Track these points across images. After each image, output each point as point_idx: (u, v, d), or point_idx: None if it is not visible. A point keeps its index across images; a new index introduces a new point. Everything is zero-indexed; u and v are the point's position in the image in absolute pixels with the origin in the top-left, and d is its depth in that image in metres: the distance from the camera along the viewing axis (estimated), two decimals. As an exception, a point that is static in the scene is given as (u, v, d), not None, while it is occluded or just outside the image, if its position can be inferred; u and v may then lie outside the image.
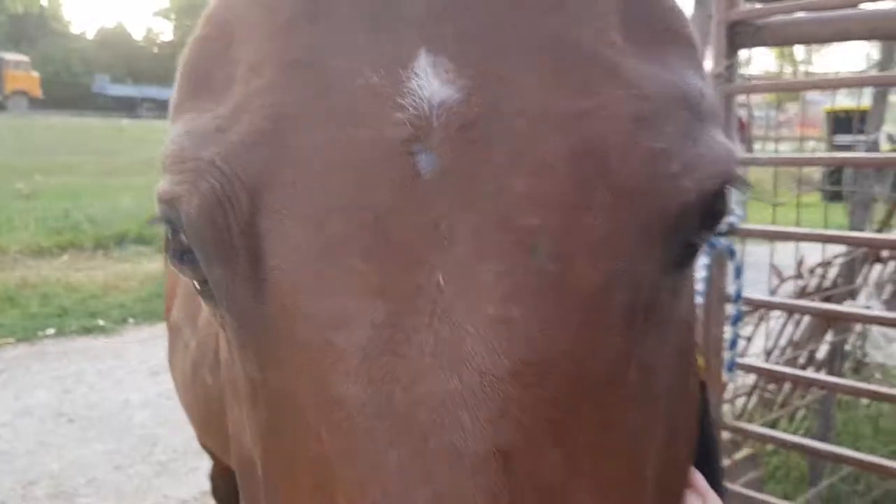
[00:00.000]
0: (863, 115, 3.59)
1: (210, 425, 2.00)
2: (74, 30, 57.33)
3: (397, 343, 0.44)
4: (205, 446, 2.83)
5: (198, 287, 0.55)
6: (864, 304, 3.70)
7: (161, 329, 7.05)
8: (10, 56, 41.31)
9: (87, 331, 6.91)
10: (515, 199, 0.45)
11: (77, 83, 47.50)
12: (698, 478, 0.60)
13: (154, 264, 9.50)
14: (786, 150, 4.37)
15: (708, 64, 2.49)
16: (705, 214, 0.51)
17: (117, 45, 54.15)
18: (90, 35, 57.47)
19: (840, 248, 3.77)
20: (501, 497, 0.41)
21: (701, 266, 2.46)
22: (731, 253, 2.43)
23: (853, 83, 2.22)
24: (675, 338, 0.54)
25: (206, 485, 4.20)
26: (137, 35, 59.59)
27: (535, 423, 0.43)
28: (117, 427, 4.97)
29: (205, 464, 4.43)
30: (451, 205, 0.45)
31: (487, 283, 0.44)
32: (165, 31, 59.32)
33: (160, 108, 45.53)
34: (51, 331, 6.80)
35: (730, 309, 2.48)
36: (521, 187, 0.45)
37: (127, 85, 48.14)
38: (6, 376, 5.82)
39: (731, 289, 2.42)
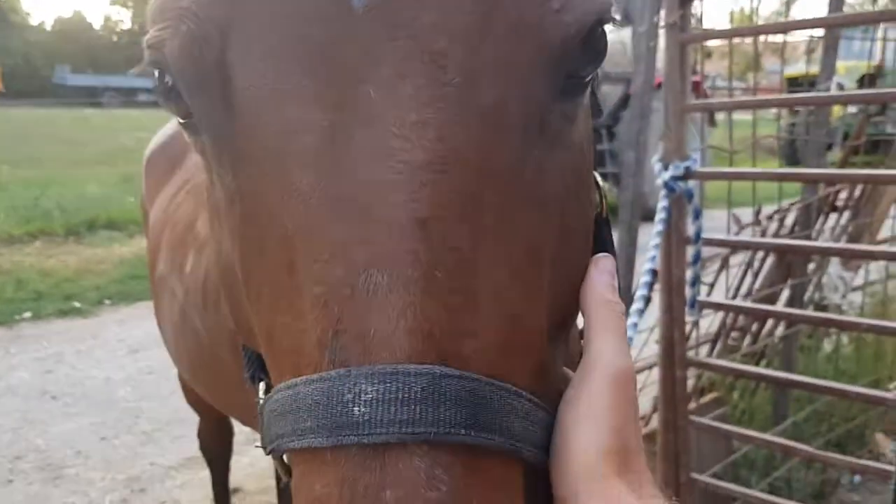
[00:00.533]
0: (814, 79, 3.73)
1: (201, 369, 2.09)
2: (33, 21, 56.18)
3: (340, 142, 0.57)
4: (192, 402, 2.93)
5: (182, 121, 0.68)
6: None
7: (138, 309, 7.12)
8: (-32, 49, 40.58)
9: (64, 313, 6.92)
10: (428, 29, 0.57)
11: (37, 75, 46.65)
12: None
13: (126, 248, 9.49)
14: (745, 116, 4.50)
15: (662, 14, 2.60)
16: (586, 48, 0.63)
17: (76, 35, 53.17)
18: (49, 26, 56.35)
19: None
20: (421, 254, 0.54)
21: (660, 209, 2.60)
22: (689, 195, 2.57)
23: (803, 25, 2.34)
24: (570, 158, 0.67)
25: (191, 451, 4.30)
26: (96, 24, 58.45)
27: (447, 202, 0.56)
28: (100, 402, 5.03)
29: (188, 432, 4.52)
30: (379, 34, 0.57)
31: (408, 95, 0.56)
32: (124, 20, 58.17)
33: (123, 96, 44.88)
34: (27, 314, 6.81)
35: (690, 251, 2.61)
36: (432, 20, 0.58)
37: (87, 75, 47.37)
38: (-15, 360, 5.85)
39: (690, 230, 2.55)
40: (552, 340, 0.66)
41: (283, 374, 0.59)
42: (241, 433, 3.25)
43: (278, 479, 3.32)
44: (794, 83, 11.03)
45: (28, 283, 7.53)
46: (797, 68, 11.76)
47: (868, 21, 2.79)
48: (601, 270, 0.70)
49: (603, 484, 0.59)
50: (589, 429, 0.61)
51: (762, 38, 3.31)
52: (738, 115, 3.63)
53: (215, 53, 0.60)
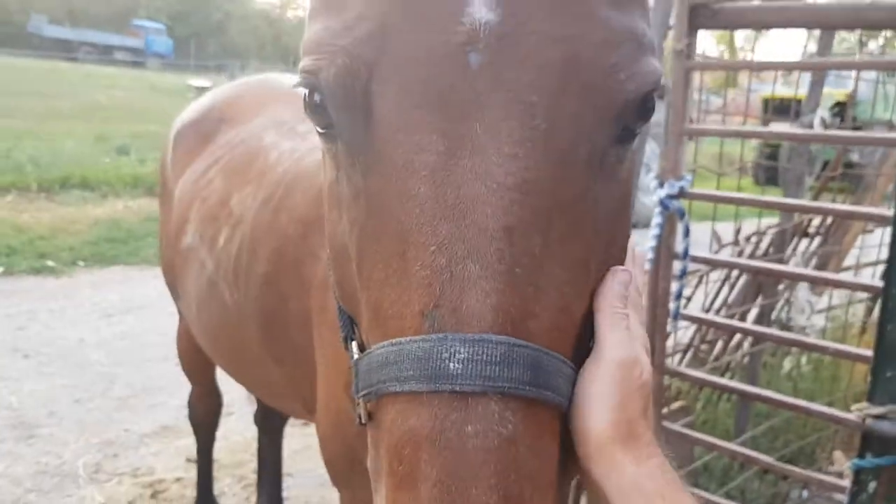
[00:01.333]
0: (798, 103, 3.90)
1: (223, 340, 2.18)
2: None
3: (452, 163, 0.73)
4: (188, 368, 3.00)
5: (321, 130, 0.84)
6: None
7: (112, 273, 7.12)
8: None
9: (37, 271, 6.89)
10: (524, 86, 0.74)
11: (11, 22, 45.47)
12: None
13: (99, 209, 9.42)
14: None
15: (669, 39, 2.73)
16: (640, 108, 0.80)
17: (56, -15, 51.75)
18: (26, -28, 54.72)
19: (773, 222, 4.10)
20: (505, 253, 0.71)
21: (654, 225, 2.73)
22: (681, 214, 2.70)
23: (802, 67, 2.48)
24: (619, 189, 0.84)
25: (166, 420, 4.36)
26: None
27: (527, 215, 0.73)
28: (74, 363, 5.05)
29: (164, 400, 4.59)
30: (487, 85, 0.74)
31: (505, 133, 0.73)
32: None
33: (100, 52, 43.98)
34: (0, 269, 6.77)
35: (676, 266, 2.75)
36: (528, 79, 0.74)
37: (64, 27, 46.32)
38: (-45, 312, 5.82)
39: (679, 247, 2.68)
40: (588, 326, 0.84)
41: (386, 336, 0.74)
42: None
43: (260, 452, 3.40)
44: (773, 104, 11.24)
45: (1, 238, 7.46)
46: (770, 88, 12.01)
47: (858, 67, 2.95)
48: (616, 281, 0.85)
49: (604, 450, 0.77)
50: (594, 406, 0.78)
51: (743, 56, 3.44)
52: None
53: (362, 84, 0.77)
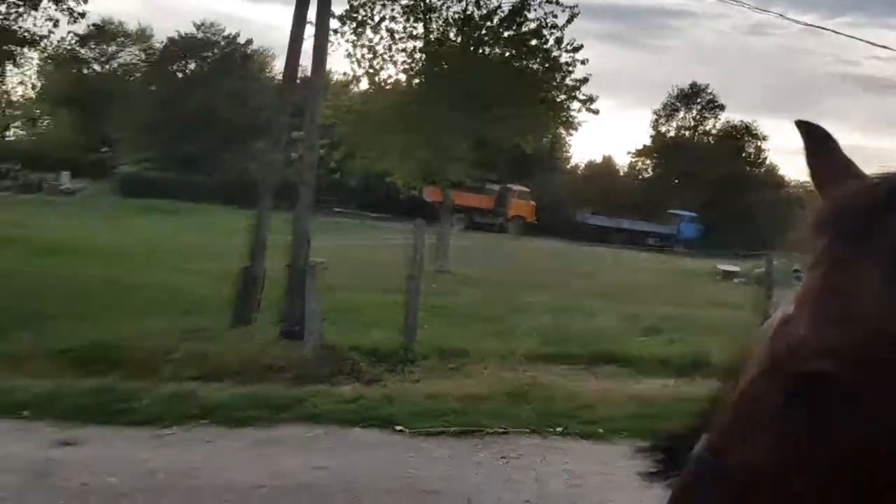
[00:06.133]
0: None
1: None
2: (570, 164, 63.48)
3: None
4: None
5: None
6: None
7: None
8: (516, 186, 48.10)
9: (584, 436, 7.68)
10: None
11: (562, 212, 52.56)
12: None
13: (639, 385, 10.02)
14: None
15: None
16: None
17: (601, 179, 58.60)
18: (580, 168, 63.27)
19: None
20: None
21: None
22: None
23: None
24: None
25: None
26: (622, 170, 63.48)
27: None
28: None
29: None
30: None
31: None
32: (648, 168, 62.13)
33: (631, 239, 47.71)
34: (559, 428, 7.77)
35: None
36: None
37: (603, 216, 51.73)
38: (525, 461, 6.86)
39: None
40: None
41: None
42: None
43: None
44: None
45: (560, 401, 8.53)
46: None
47: None
48: None
49: None
50: None
51: None
52: None
53: None
